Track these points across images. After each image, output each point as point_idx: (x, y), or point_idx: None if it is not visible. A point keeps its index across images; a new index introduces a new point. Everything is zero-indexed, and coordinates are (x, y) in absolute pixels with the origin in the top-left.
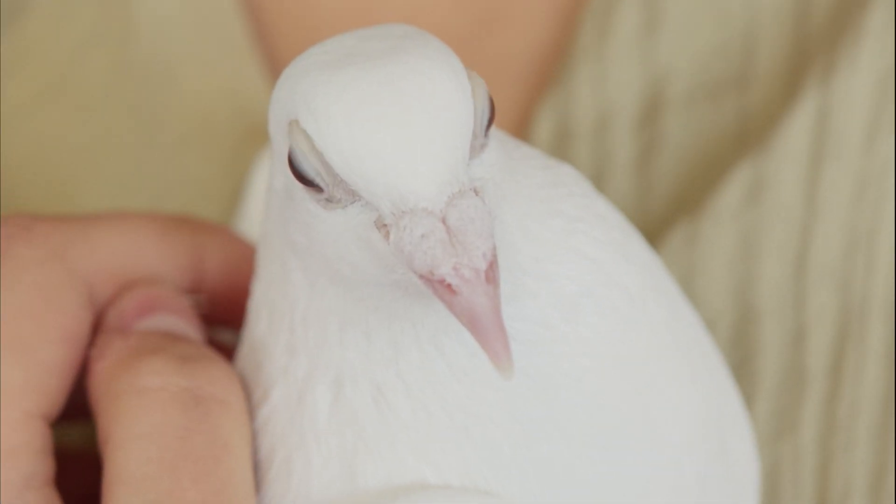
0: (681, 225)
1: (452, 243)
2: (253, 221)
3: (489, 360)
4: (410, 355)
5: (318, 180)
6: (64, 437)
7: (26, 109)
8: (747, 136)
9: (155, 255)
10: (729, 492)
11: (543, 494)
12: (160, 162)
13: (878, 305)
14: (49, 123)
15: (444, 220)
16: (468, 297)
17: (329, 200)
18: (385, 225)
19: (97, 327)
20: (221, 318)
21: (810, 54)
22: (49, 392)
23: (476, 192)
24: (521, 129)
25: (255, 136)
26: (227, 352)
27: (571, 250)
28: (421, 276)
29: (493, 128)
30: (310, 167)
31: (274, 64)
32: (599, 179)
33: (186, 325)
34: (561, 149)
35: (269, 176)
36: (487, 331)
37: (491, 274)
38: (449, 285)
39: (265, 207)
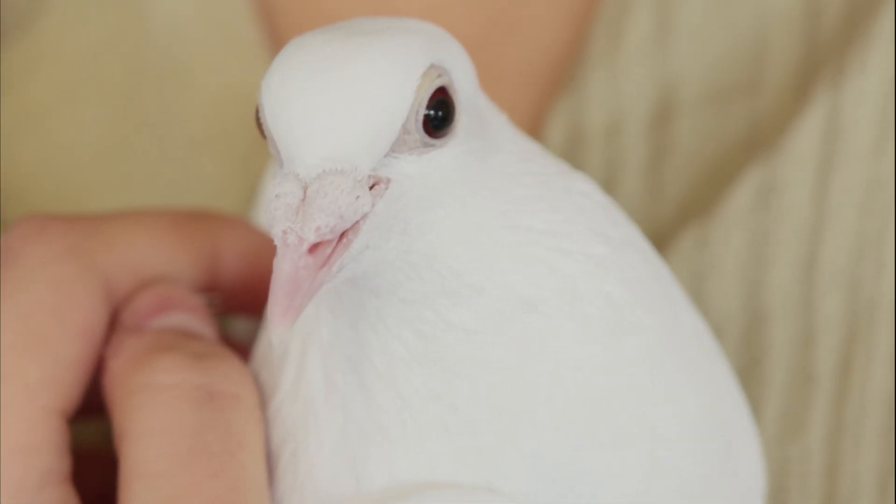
0: (691, 228)
1: (298, 211)
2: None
3: (269, 317)
4: (370, 338)
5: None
6: (80, 435)
7: (42, 113)
8: (758, 141)
9: (170, 250)
10: (734, 494)
11: (543, 491)
12: (175, 164)
13: (886, 308)
14: (64, 127)
15: (304, 189)
16: (280, 258)
17: (277, 161)
18: None
19: (114, 323)
20: (240, 308)
21: (820, 60)
22: (66, 388)
23: (377, 182)
24: (533, 133)
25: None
26: (243, 348)
27: (523, 260)
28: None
29: (462, 136)
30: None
31: None
32: (610, 183)
33: (200, 323)
34: (572, 152)
35: None
36: (278, 292)
37: (321, 251)
38: (275, 246)
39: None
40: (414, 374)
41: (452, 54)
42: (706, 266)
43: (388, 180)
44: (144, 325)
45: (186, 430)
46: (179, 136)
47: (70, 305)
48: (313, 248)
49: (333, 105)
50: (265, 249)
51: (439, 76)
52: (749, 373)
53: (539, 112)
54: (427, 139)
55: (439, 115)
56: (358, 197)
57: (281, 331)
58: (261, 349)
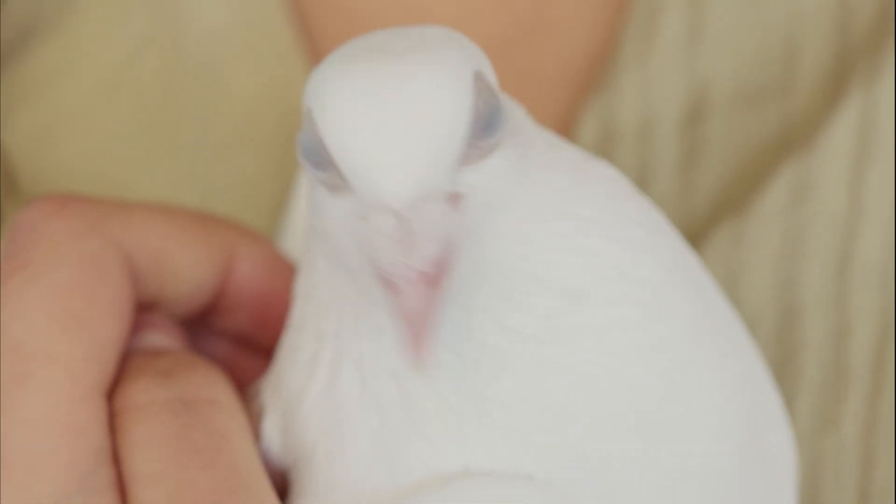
0: (725, 225)
1: (404, 243)
2: (301, 223)
3: (406, 355)
4: None
5: (324, 165)
6: None
7: (78, 113)
8: (790, 141)
9: (188, 241)
10: (767, 480)
11: (578, 478)
12: (209, 164)
13: None
14: (100, 127)
15: (404, 221)
16: (400, 294)
17: (333, 186)
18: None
19: (140, 299)
20: (246, 319)
21: (852, 60)
22: (106, 366)
23: (456, 199)
24: (564, 134)
25: None
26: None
27: (577, 250)
28: (374, 270)
29: (511, 135)
30: (316, 152)
31: None
32: (642, 181)
33: (165, 338)
34: (604, 152)
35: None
36: (409, 328)
37: (437, 280)
38: (391, 282)
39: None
40: (461, 379)
41: (481, 57)
42: (741, 262)
43: (460, 195)
44: None
45: (170, 435)
46: (214, 136)
47: (100, 283)
48: (427, 277)
49: (408, 130)
50: (280, 269)
51: (486, 86)
52: (783, 368)
53: (569, 113)
54: (483, 147)
55: (490, 121)
56: (453, 219)
57: (422, 370)
58: (283, 351)
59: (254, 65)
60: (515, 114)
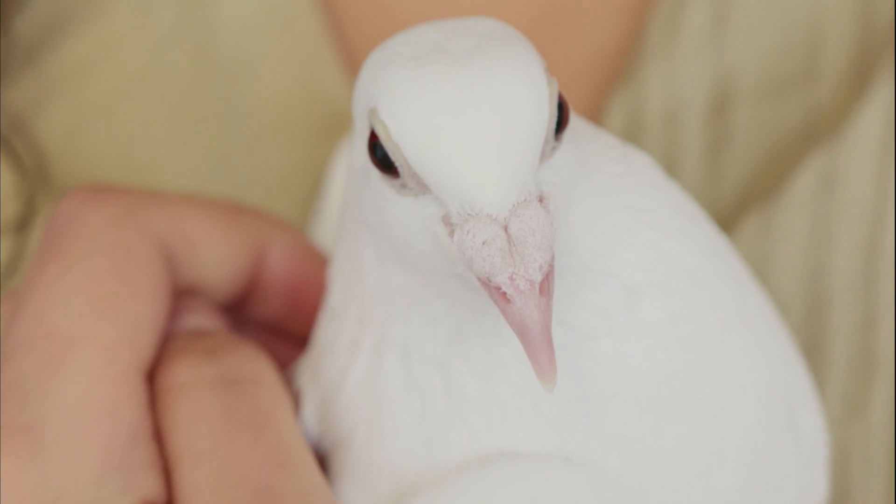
0: (753, 214)
1: (511, 253)
2: (332, 212)
3: (533, 370)
4: (473, 341)
5: (396, 167)
6: None
7: (109, 105)
8: (815, 131)
9: (222, 230)
10: (799, 462)
11: (619, 463)
12: (240, 156)
13: None
14: (131, 119)
15: (506, 229)
16: (521, 308)
17: (403, 186)
18: (451, 223)
19: (176, 285)
20: (276, 310)
21: (877, 50)
22: (143, 346)
23: (541, 199)
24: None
25: (333, 129)
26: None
27: (638, 245)
28: (479, 279)
29: (567, 128)
30: (385, 155)
31: (350, 57)
32: (669, 171)
33: (208, 320)
34: (631, 142)
35: (349, 152)
36: (535, 343)
37: (546, 286)
38: (504, 293)
39: (346, 182)
40: (512, 371)
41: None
42: (769, 251)
43: (544, 194)
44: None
45: (217, 413)
46: (244, 128)
47: (134, 266)
48: (541, 286)
49: (496, 136)
50: (312, 258)
51: (551, 79)
52: (811, 355)
53: (596, 104)
54: (554, 143)
55: (560, 117)
56: (549, 221)
57: (552, 381)
58: (322, 337)
59: (283, 57)
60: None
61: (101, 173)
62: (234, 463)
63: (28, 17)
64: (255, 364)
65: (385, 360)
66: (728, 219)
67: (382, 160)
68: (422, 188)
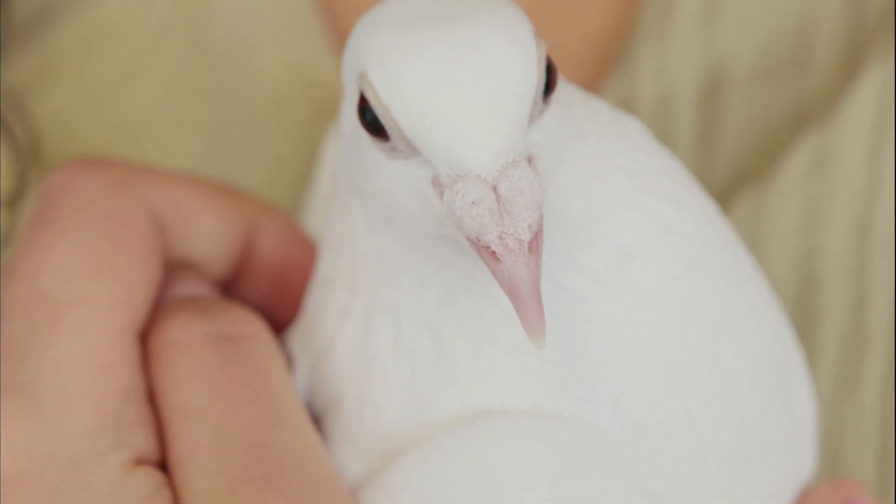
0: (745, 195)
1: (500, 212)
2: (325, 194)
3: (523, 328)
4: (463, 303)
5: (385, 130)
6: None
7: (105, 88)
8: (807, 115)
9: (213, 206)
10: (790, 430)
11: (610, 424)
12: (236, 139)
13: None
14: (127, 102)
15: (495, 189)
16: (510, 266)
17: (393, 149)
18: (440, 184)
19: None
20: (265, 299)
21: (869, 36)
22: (136, 308)
23: (530, 160)
24: None
25: (328, 112)
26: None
27: (631, 206)
28: (468, 239)
29: (556, 90)
30: (375, 119)
31: (344, 42)
32: None
33: (200, 287)
34: None
35: (339, 117)
36: (525, 301)
37: (535, 244)
38: (493, 252)
39: (336, 149)
40: (502, 332)
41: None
42: (761, 232)
43: (533, 155)
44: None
45: (213, 369)
46: (240, 112)
47: (127, 232)
48: (530, 245)
49: (486, 97)
50: (300, 243)
51: (539, 42)
52: (804, 334)
53: (588, 90)
54: (542, 105)
55: (548, 79)
56: (538, 181)
57: (542, 338)
58: (312, 304)
59: (279, 42)
60: None
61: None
62: (228, 419)
63: None
64: (249, 323)
65: (375, 325)
66: (720, 201)
67: (372, 124)
68: (411, 151)
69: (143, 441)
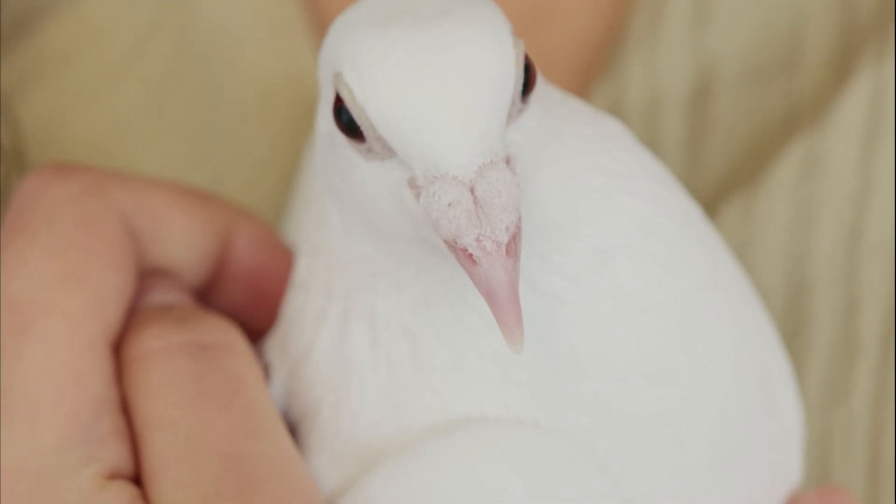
0: (735, 200)
1: (478, 214)
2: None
3: (500, 331)
4: (441, 308)
5: (361, 131)
6: None
7: (89, 92)
8: (797, 118)
9: (187, 212)
10: (773, 435)
11: (590, 428)
12: (220, 143)
13: None
14: (111, 106)
15: (472, 190)
16: (487, 268)
17: (369, 151)
18: (417, 185)
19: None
20: (241, 306)
21: (859, 39)
22: (108, 317)
23: (508, 161)
24: None
25: (313, 114)
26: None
27: (610, 208)
28: (445, 242)
29: (535, 90)
30: (350, 119)
31: None
32: None
33: (176, 295)
34: None
35: (316, 119)
36: (502, 304)
37: (512, 247)
38: (470, 255)
39: (312, 150)
40: (480, 338)
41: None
42: (751, 237)
43: (511, 156)
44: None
45: (187, 379)
46: (224, 116)
47: (98, 239)
48: (508, 248)
49: (462, 97)
50: (277, 250)
51: (517, 41)
52: (793, 341)
53: (577, 95)
54: (521, 105)
55: (526, 78)
56: (515, 182)
57: (520, 342)
58: (289, 309)
59: (263, 45)
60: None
61: (79, 159)
62: (202, 430)
63: (10, 0)
64: (224, 332)
65: (352, 330)
66: (709, 206)
67: (348, 124)
68: (387, 152)
69: (115, 454)
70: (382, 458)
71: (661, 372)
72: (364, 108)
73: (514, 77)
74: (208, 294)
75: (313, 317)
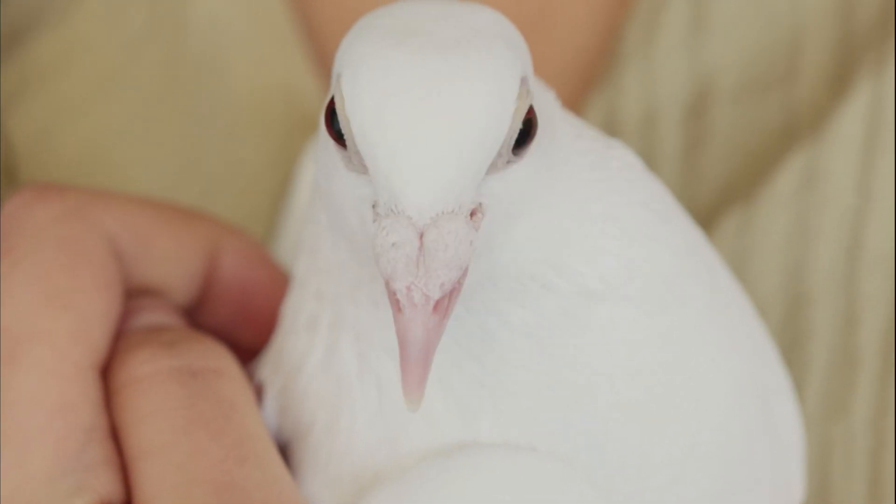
0: (733, 212)
1: (417, 263)
2: (301, 211)
3: (402, 386)
4: None
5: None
6: None
7: (80, 104)
8: (794, 129)
9: (173, 229)
10: (774, 454)
11: (587, 458)
12: (211, 154)
13: None
14: (102, 118)
15: (421, 236)
16: (408, 320)
17: (349, 160)
18: (377, 212)
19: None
20: (228, 323)
21: (857, 50)
22: (96, 341)
23: (475, 213)
24: None
25: (304, 128)
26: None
27: (594, 252)
28: (384, 281)
29: (533, 144)
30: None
31: (322, 56)
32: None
33: (166, 316)
34: None
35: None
36: (410, 361)
37: (443, 304)
38: (400, 301)
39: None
40: (462, 367)
41: (524, 52)
42: (749, 249)
43: (481, 205)
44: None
45: (178, 405)
46: (215, 127)
47: (83, 261)
48: (437, 304)
49: (441, 140)
50: (264, 266)
51: (528, 93)
52: (792, 354)
53: (573, 105)
54: (511, 157)
55: (524, 131)
56: (471, 239)
57: (417, 403)
58: (287, 309)
59: (255, 56)
60: (544, 101)
61: (70, 172)
62: (194, 458)
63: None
64: (216, 356)
65: (340, 343)
66: (707, 218)
67: (336, 128)
68: (363, 167)
69: (106, 482)
70: (378, 483)
71: (655, 403)
72: (350, 119)
73: (506, 131)
74: (196, 312)
75: (306, 324)
